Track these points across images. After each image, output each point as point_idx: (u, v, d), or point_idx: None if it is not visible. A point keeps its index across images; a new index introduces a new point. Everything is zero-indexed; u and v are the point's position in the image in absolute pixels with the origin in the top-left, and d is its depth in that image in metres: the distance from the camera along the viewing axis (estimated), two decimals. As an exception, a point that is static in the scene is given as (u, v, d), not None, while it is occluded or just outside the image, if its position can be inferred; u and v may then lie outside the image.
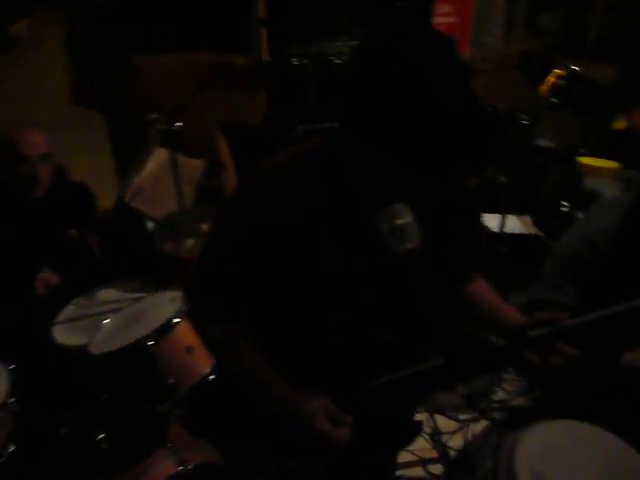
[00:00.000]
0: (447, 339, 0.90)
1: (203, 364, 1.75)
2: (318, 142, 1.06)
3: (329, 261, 1.05)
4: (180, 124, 2.23)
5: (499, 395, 2.74)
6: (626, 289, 1.13)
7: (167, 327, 1.72)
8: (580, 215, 2.55)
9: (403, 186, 0.92)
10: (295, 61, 2.59)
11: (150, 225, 2.64)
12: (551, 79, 2.11)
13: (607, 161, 2.51)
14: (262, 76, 2.94)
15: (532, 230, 2.95)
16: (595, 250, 1.75)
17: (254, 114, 2.95)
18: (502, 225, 2.61)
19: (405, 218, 0.92)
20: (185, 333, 1.74)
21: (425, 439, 2.13)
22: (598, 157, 2.60)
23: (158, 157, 2.70)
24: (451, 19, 2.82)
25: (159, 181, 2.66)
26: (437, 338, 0.90)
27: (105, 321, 1.90)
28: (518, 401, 2.70)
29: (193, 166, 2.83)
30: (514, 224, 3.04)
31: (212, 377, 1.75)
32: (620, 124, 2.66)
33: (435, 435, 2.13)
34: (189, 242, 2.29)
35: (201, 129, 2.74)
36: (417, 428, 1.49)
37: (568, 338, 1.05)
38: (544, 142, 3.57)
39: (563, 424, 1.41)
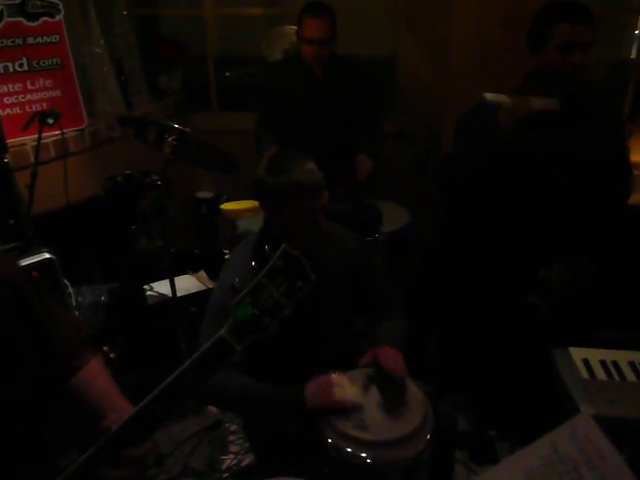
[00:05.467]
0: None
1: None
2: None
3: None
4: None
5: (227, 462, 2.62)
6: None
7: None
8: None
9: None
10: None
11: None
12: (168, 141, 2.17)
13: (247, 202, 2.62)
14: None
15: (209, 284, 2.91)
16: None
17: None
18: (173, 288, 2.48)
19: None
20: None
21: None
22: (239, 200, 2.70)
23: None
24: (53, 93, 2.61)
25: None
26: None
27: None
28: (247, 460, 2.60)
29: None
30: (191, 283, 2.97)
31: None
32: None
33: None
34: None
35: None
36: None
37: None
38: (205, 194, 3.68)
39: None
